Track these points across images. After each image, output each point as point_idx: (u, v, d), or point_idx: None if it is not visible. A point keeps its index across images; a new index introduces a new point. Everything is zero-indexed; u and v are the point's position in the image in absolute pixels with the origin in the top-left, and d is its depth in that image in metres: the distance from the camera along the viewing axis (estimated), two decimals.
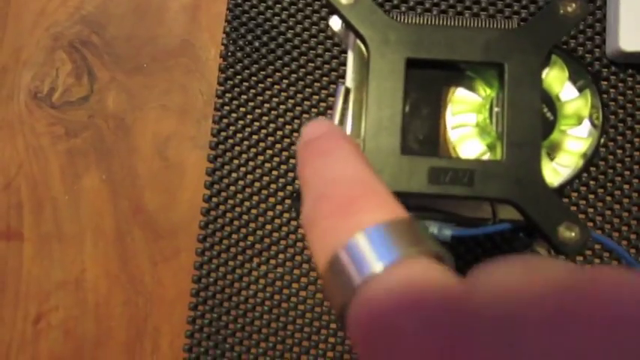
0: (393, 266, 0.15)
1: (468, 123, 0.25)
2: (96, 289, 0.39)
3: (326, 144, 0.19)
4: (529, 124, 0.23)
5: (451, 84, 0.26)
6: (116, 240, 0.39)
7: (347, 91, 0.25)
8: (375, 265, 0.15)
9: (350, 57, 0.26)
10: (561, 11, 0.24)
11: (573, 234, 0.22)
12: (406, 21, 0.25)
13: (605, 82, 0.38)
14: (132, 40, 0.42)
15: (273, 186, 0.39)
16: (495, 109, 0.24)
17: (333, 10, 0.25)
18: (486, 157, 0.25)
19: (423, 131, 0.25)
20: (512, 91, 0.23)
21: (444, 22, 0.25)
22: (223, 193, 0.39)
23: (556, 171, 0.24)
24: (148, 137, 0.41)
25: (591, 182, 0.37)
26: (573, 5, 0.24)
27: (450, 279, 0.15)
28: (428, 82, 0.25)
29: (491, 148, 0.24)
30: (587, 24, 0.39)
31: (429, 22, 0.25)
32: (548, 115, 0.25)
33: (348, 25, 0.25)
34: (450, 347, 0.13)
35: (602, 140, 0.25)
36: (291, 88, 0.40)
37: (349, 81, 0.26)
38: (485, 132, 0.24)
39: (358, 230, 0.16)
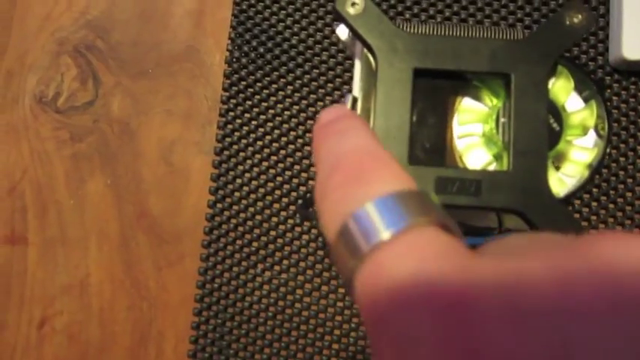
0: (400, 234, 0.15)
1: (474, 132, 0.25)
2: (100, 293, 0.39)
3: (340, 125, 0.20)
4: (535, 134, 0.23)
5: (458, 93, 0.26)
6: (121, 245, 0.39)
7: (354, 100, 0.25)
8: (383, 233, 0.15)
9: (357, 66, 0.27)
10: (567, 22, 0.24)
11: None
12: (413, 30, 0.25)
13: (609, 90, 0.39)
14: (137, 45, 0.42)
15: (278, 192, 0.39)
16: (502, 120, 0.25)
17: (341, 20, 0.25)
18: (492, 166, 0.25)
19: (429, 140, 0.25)
20: (519, 102, 0.23)
21: (451, 32, 0.26)
22: (228, 199, 0.39)
23: (562, 181, 0.25)
24: (153, 142, 0.41)
25: (594, 190, 0.37)
26: (579, 16, 0.24)
27: (457, 249, 0.15)
28: (435, 92, 0.26)
29: (497, 158, 0.25)
30: (590, 32, 0.39)
31: (436, 32, 0.25)
32: (554, 125, 0.25)
33: (355, 34, 0.25)
34: (452, 318, 0.13)
35: (608, 150, 0.25)
36: (296, 95, 0.40)
37: (356, 90, 0.26)
38: (492, 142, 0.25)
39: (368, 200, 0.16)
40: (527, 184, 0.22)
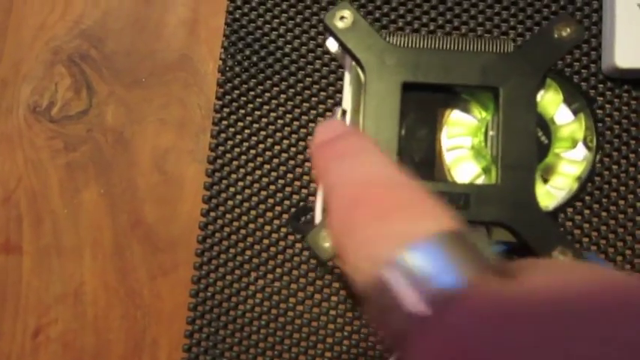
0: (461, 288, 0.14)
1: (463, 145, 0.25)
2: (95, 302, 0.39)
3: (348, 145, 0.18)
4: (524, 148, 0.23)
5: (447, 106, 0.26)
6: (115, 253, 0.39)
7: (343, 113, 0.26)
8: (440, 288, 0.14)
9: (347, 79, 0.27)
10: (556, 35, 0.24)
11: (567, 259, 0.22)
12: (402, 43, 0.26)
13: (601, 98, 0.39)
14: (131, 55, 0.42)
15: (271, 200, 0.39)
16: (490, 133, 0.25)
17: (330, 34, 0.25)
18: (481, 180, 0.25)
19: (419, 154, 0.25)
20: (507, 115, 0.23)
21: (440, 45, 0.26)
22: (221, 207, 0.39)
23: (550, 194, 0.25)
24: (147, 151, 0.41)
25: (587, 198, 0.37)
26: (568, 29, 0.24)
27: (520, 294, 0.14)
28: (424, 105, 0.26)
29: (486, 171, 0.25)
30: (579, 44, 0.40)
31: (426, 45, 0.26)
32: (543, 138, 0.25)
33: (344, 48, 0.25)
34: None
35: (597, 162, 0.25)
36: (289, 103, 0.40)
37: (346, 103, 0.26)
38: (481, 155, 0.25)
39: (410, 243, 0.14)
40: (516, 198, 0.23)
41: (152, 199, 0.40)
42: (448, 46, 0.26)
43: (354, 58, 0.25)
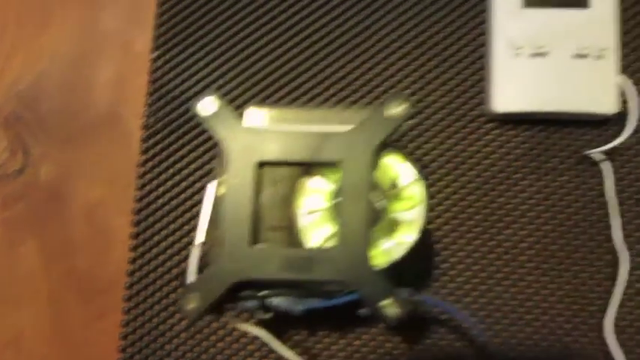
0: None
1: (318, 210, 0.29)
2: (33, 350, 0.43)
3: None
4: (359, 214, 0.27)
5: (305, 174, 0.30)
6: (50, 304, 0.43)
7: (215, 186, 0.29)
8: None
9: (219, 155, 0.30)
10: (387, 112, 0.28)
11: (396, 310, 0.26)
12: (264, 121, 0.29)
13: (487, 137, 0.43)
14: (63, 114, 0.46)
15: (191, 247, 0.43)
16: (336, 200, 0.28)
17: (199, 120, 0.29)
18: (330, 243, 0.29)
19: (276, 221, 0.29)
20: (346, 185, 0.27)
21: (300, 119, 0.29)
22: (147, 255, 0.43)
23: (387, 252, 0.28)
24: (79, 205, 0.45)
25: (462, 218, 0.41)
26: (399, 108, 0.28)
27: None
28: (282, 175, 0.29)
29: (335, 234, 0.29)
30: (469, 84, 0.44)
31: (288, 119, 0.29)
32: (382, 202, 0.29)
33: (210, 131, 0.29)
34: None
35: (428, 223, 0.29)
36: (206, 155, 0.44)
37: (218, 176, 0.30)
38: (332, 219, 0.28)
39: None
40: (350, 258, 0.26)
41: (84, 250, 0.44)
42: (308, 120, 0.29)
43: (218, 139, 0.29)
